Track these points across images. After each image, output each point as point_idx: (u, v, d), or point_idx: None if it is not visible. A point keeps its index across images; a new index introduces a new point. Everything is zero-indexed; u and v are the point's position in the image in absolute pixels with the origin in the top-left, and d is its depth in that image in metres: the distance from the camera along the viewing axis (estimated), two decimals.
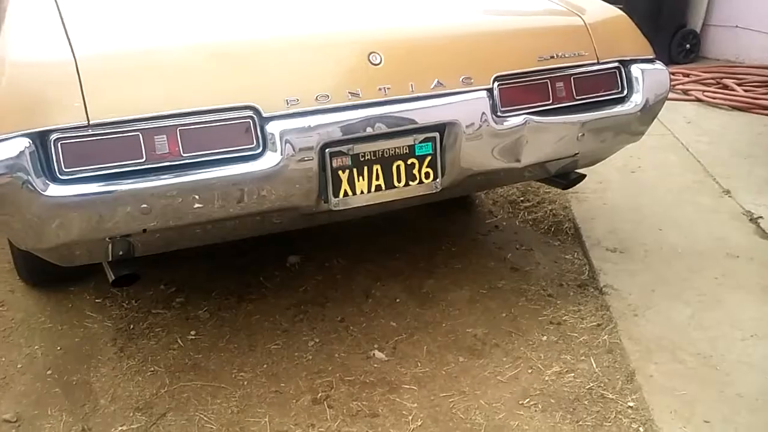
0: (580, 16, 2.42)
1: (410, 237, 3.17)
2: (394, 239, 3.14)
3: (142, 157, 1.83)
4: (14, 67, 1.81)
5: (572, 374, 2.32)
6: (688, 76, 5.50)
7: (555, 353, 2.42)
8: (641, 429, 2.08)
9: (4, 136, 1.72)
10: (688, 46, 6.14)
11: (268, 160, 1.95)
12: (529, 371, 2.34)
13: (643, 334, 2.47)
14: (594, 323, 2.56)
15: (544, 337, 2.50)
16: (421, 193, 2.21)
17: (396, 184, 2.16)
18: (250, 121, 1.94)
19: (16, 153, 1.71)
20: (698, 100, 5.08)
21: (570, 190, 3.36)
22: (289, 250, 3.05)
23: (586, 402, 2.20)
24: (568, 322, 2.57)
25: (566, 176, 2.62)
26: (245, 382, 2.32)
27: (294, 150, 1.96)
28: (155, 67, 1.91)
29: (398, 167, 2.15)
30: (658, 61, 2.52)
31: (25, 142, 1.72)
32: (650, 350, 2.39)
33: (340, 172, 2.08)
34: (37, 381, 2.37)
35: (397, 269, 2.93)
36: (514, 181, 3.20)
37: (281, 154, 1.95)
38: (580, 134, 2.34)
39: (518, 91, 2.24)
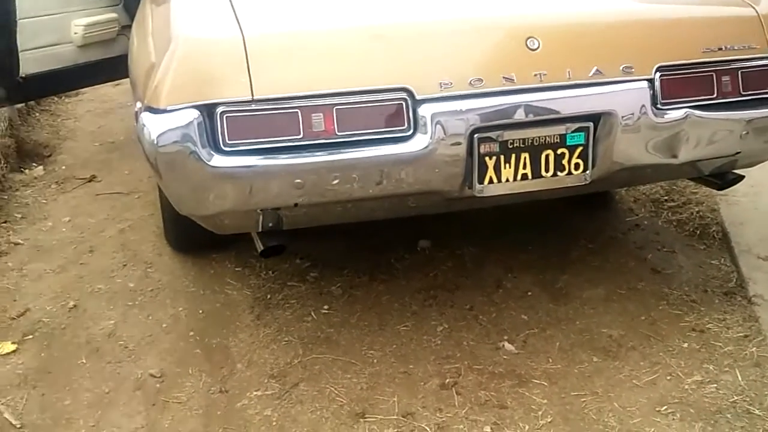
0: (752, 7, 2.26)
1: (544, 230, 3.10)
2: (527, 231, 3.08)
3: (300, 134, 1.89)
4: (187, 43, 1.90)
5: (715, 385, 2.19)
6: None
7: (697, 362, 2.29)
8: None
9: (175, 107, 1.82)
10: None
11: (418, 143, 1.95)
12: (668, 378, 2.23)
13: None
14: (741, 334, 2.41)
15: (686, 344, 2.38)
16: (568, 185, 2.16)
17: (543, 173, 2.11)
18: (403, 103, 1.95)
19: (185, 123, 1.81)
20: None
21: (719, 192, 3.18)
22: (420, 234, 3.05)
23: (729, 416, 2.08)
24: (712, 330, 2.44)
25: (722, 176, 2.47)
26: (375, 360, 2.36)
27: (444, 133, 1.96)
28: (316, 48, 1.96)
29: (547, 156, 2.10)
30: None
31: (195, 114, 1.82)
32: None
33: (487, 159, 2.06)
34: (180, 341, 2.51)
35: (530, 262, 2.88)
36: (666, 179, 3.06)
37: (431, 137, 1.95)
38: (743, 132, 2.21)
39: (681, 83, 2.13)
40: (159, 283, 2.86)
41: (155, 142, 1.82)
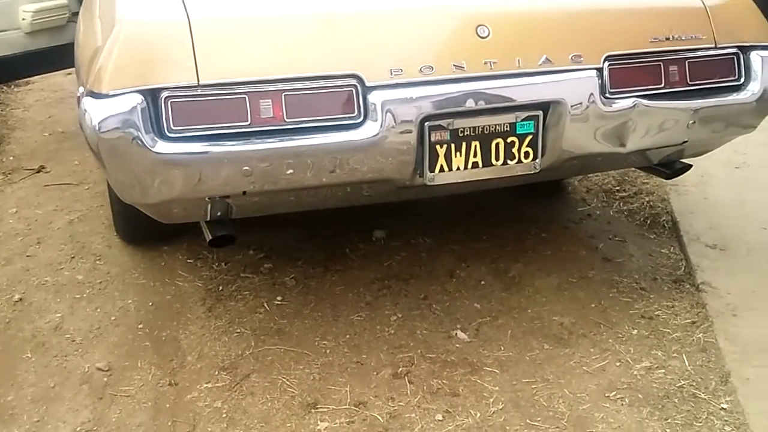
0: None
1: (498, 220, 3.11)
2: (481, 221, 3.10)
3: (247, 120, 1.86)
4: (130, 26, 1.86)
5: (663, 371, 2.23)
6: None
7: (645, 348, 2.33)
8: None
9: (118, 92, 1.78)
10: None
11: (368, 130, 1.94)
12: (617, 364, 2.26)
13: (741, 335, 2.35)
14: (688, 320, 2.45)
15: (635, 331, 2.41)
16: (518, 173, 2.16)
17: (494, 162, 2.12)
18: (353, 90, 1.94)
19: (128, 108, 1.76)
20: None
21: (669, 182, 3.24)
22: (375, 224, 3.05)
23: (676, 400, 2.11)
24: (660, 317, 2.48)
25: (671, 165, 2.51)
26: (327, 350, 2.34)
27: (394, 121, 1.95)
28: (264, 32, 1.94)
29: (497, 145, 2.10)
30: None
31: (138, 99, 1.77)
32: (748, 352, 2.27)
33: (437, 147, 2.05)
34: (129, 333, 2.46)
35: (484, 251, 2.89)
36: (615, 168, 3.09)
37: (381, 125, 1.94)
38: (690, 122, 2.24)
39: (629, 72, 2.15)
40: (108, 276, 2.80)
41: (97, 128, 1.77)
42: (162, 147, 1.79)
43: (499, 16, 2.09)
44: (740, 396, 2.10)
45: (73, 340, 2.42)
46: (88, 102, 1.82)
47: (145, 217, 2.18)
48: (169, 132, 1.81)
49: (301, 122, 1.90)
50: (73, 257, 2.93)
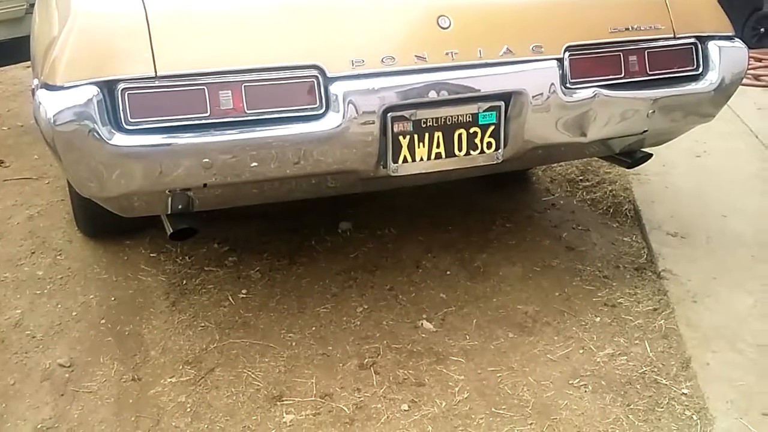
0: None
1: (464, 210, 3.13)
2: (447, 211, 3.11)
3: (207, 112, 1.83)
4: (85, 16, 1.81)
5: (625, 357, 2.26)
6: (760, 60, 5.28)
7: (608, 335, 2.36)
8: (695, 416, 2.02)
9: (72, 84, 1.74)
10: (762, 30, 5.88)
11: (330, 121, 1.93)
12: (581, 351, 2.29)
13: (702, 321, 2.40)
14: (650, 307, 2.49)
15: (598, 319, 2.44)
16: (481, 164, 2.17)
17: (456, 152, 2.12)
18: (315, 81, 1.92)
19: (84, 101, 1.73)
20: None
21: (631, 171, 3.28)
22: (341, 216, 3.04)
23: (638, 386, 2.14)
24: (623, 304, 2.51)
25: (632, 155, 2.54)
26: (293, 343, 2.33)
27: (356, 112, 1.93)
28: (223, 23, 1.91)
29: (460, 135, 2.10)
30: (737, 39, 2.41)
31: (94, 91, 1.74)
32: (708, 338, 2.31)
33: (400, 138, 2.05)
34: (91, 329, 2.42)
35: (449, 241, 2.90)
36: (577, 157, 3.12)
37: (343, 116, 1.92)
38: (650, 111, 2.26)
39: (589, 62, 2.17)
40: (69, 271, 2.75)
41: (52, 120, 1.73)
42: (119, 139, 1.75)
43: (460, 6, 2.09)
44: (700, 381, 2.14)
45: (34, 337, 2.38)
46: (42, 94, 1.78)
47: (106, 211, 2.14)
48: (127, 124, 1.77)
49: (262, 113, 1.88)
50: (33, 252, 2.88)
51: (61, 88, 1.74)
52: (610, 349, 2.29)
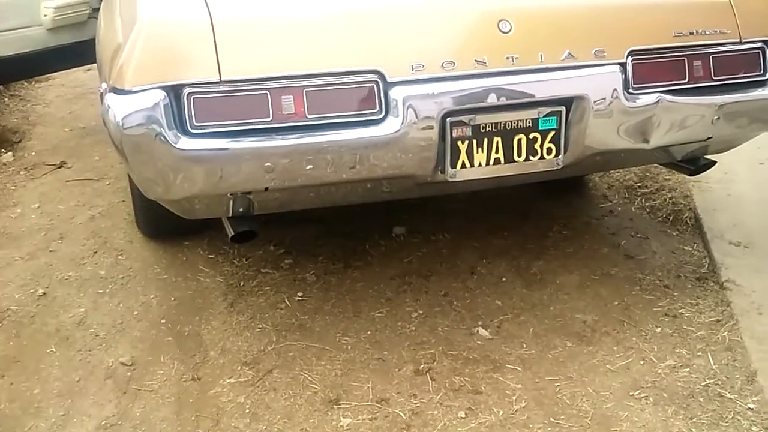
0: None
1: (519, 216, 3.09)
2: (501, 217, 3.08)
3: (269, 116, 1.86)
4: (151, 23, 1.86)
5: (687, 369, 2.20)
6: None
7: (669, 346, 2.31)
8: None
9: (140, 88, 1.78)
10: None
11: (390, 126, 1.93)
12: (641, 362, 2.24)
13: (767, 333, 2.32)
14: (713, 318, 2.42)
15: (659, 329, 2.39)
16: (541, 169, 2.14)
17: (516, 158, 2.10)
18: (374, 86, 1.93)
19: (151, 105, 1.77)
20: None
21: (692, 179, 3.21)
22: (395, 221, 3.04)
23: (701, 399, 2.09)
24: (684, 315, 2.45)
25: (695, 162, 2.48)
26: (349, 347, 2.34)
27: (416, 117, 1.94)
28: (285, 29, 1.93)
29: (519, 141, 2.09)
30: None
31: (161, 95, 1.78)
32: None
33: (459, 143, 2.04)
34: (151, 328, 2.48)
35: (504, 248, 2.87)
36: (639, 164, 3.06)
37: (403, 121, 1.93)
38: (715, 117, 2.21)
39: (653, 67, 2.13)
40: (130, 271, 2.82)
41: (120, 124, 1.78)
42: (185, 143, 1.79)
43: (521, 10, 2.07)
44: (767, 395, 2.07)
45: (97, 335, 2.45)
46: (111, 98, 1.83)
47: (167, 212, 2.19)
48: (192, 128, 1.81)
49: (323, 118, 1.90)
50: (95, 252, 2.96)
51: (130, 92, 1.79)
52: (672, 361, 2.24)
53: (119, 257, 2.91)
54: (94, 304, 2.62)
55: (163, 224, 2.85)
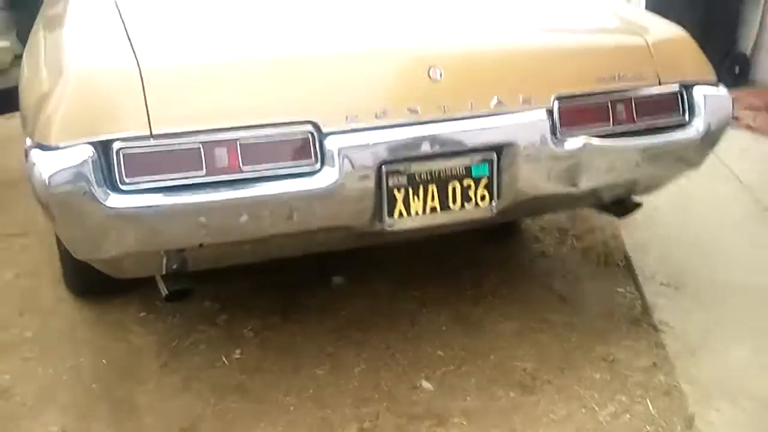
0: (642, 36, 2.36)
1: (455, 262, 3.11)
2: (439, 264, 3.09)
3: (203, 170, 1.82)
4: (78, 73, 1.82)
5: (628, 415, 2.21)
6: (737, 101, 5.34)
7: (609, 393, 2.31)
8: None
9: (67, 144, 1.73)
10: (737, 70, 5.94)
11: (327, 177, 1.92)
12: (583, 410, 2.24)
13: (702, 376, 2.36)
14: (649, 362, 2.45)
15: (597, 375, 2.40)
16: (476, 217, 2.16)
17: (451, 205, 2.12)
18: (310, 137, 1.92)
19: (79, 161, 1.71)
20: (749, 127, 4.91)
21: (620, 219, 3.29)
22: (332, 269, 3.00)
23: None
24: (621, 359, 2.47)
25: (622, 204, 2.55)
26: (291, 407, 2.27)
27: (352, 167, 1.93)
28: (217, 79, 1.91)
29: (454, 188, 2.11)
30: (721, 85, 2.45)
31: (89, 151, 1.72)
32: (710, 394, 2.27)
33: (395, 191, 2.05)
34: (82, 394, 2.35)
35: (443, 296, 2.86)
36: (569, 207, 3.13)
37: (339, 171, 1.92)
38: (639, 159, 2.28)
39: (578, 112, 2.19)
40: (59, 332, 2.69)
41: (46, 182, 1.71)
42: (115, 200, 1.73)
43: (450, 58, 2.10)
44: None
45: (24, 404, 2.30)
46: (36, 155, 1.77)
47: (96, 270, 2.11)
48: (122, 184, 1.76)
49: (258, 170, 1.88)
50: (21, 314, 2.81)
51: (56, 148, 1.73)
52: (613, 408, 2.25)
53: (47, 318, 2.78)
54: (20, 370, 2.47)
55: (92, 282, 2.73)
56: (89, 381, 2.41)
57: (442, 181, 2.09)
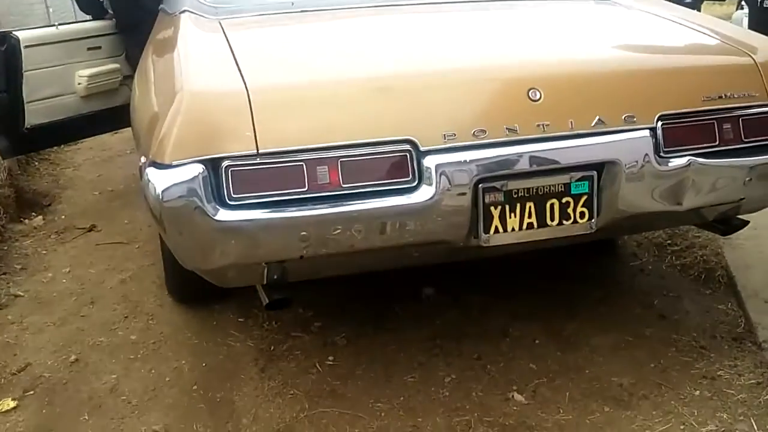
0: (750, 56, 2.29)
1: (550, 277, 3.07)
2: (532, 278, 3.06)
3: (305, 187, 1.89)
4: (191, 97, 1.91)
5: None
6: None
7: (710, 410, 2.25)
8: None
9: (180, 162, 1.82)
10: None
11: (423, 194, 1.95)
12: (681, 427, 2.19)
13: None
14: (753, 381, 2.37)
15: (697, 392, 2.34)
16: (574, 234, 2.14)
17: (549, 222, 2.11)
18: (408, 155, 1.96)
19: (190, 178, 1.81)
20: None
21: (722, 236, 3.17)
22: (425, 281, 3.03)
23: None
24: (723, 377, 2.40)
25: (727, 222, 2.46)
26: (382, 413, 2.31)
27: (449, 184, 1.96)
28: (320, 100, 1.98)
29: (552, 205, 2.09)
30: None
31: (200, 168, 1.82)
32: None
33: (492, 208, 2.05)
34: (183, 395, 2.46)
35: (536, 309, 2.84)
36: (671, 225, 3.05)
37: (436, 188, 1.95)
38: (747, 179, 2.21)
39: (683, 131, 2.14)
40: (161, 336, 2.82)
41: (160, 197, 1.82)
42: (223, 215, 1.83)
43: (551, 78, 2.10)
44: None
45: (129, 402, 2.44)
46: (151, 172, 1.87)
47: (197, 276, 2.21)
48: (230, 200, 1.85)
49: (357, 187, 1.93)
50: (126, 317, 2.97)
51: (170, 166, 1.83)
52: (713, 425, 2.19)
53: (150, 322, 2.93)
54: (125, 370, 2.62)
55: (193, 288, 2.86)
56: (190, 383, 2.52)
57: (539, 198, 2.08)
